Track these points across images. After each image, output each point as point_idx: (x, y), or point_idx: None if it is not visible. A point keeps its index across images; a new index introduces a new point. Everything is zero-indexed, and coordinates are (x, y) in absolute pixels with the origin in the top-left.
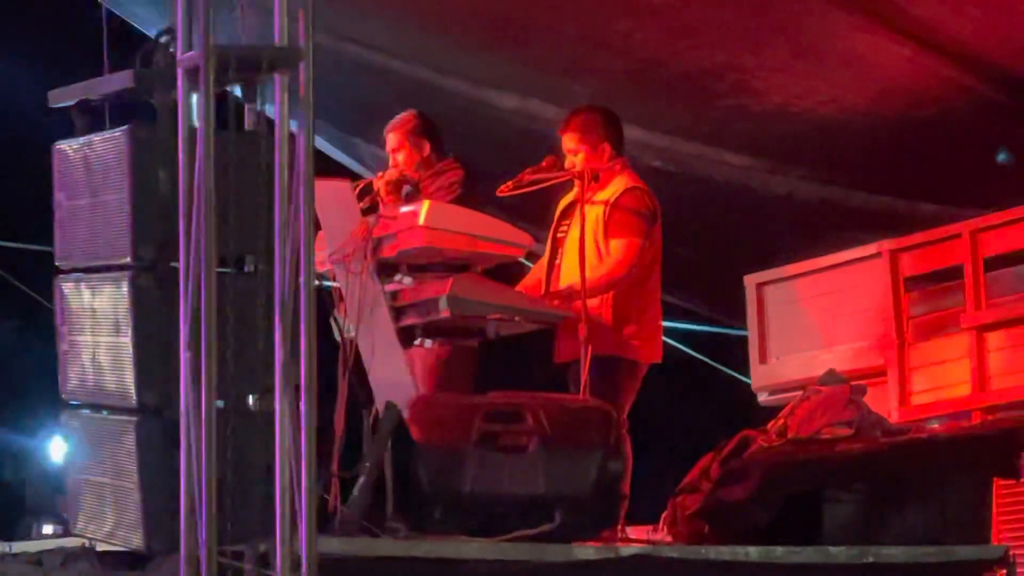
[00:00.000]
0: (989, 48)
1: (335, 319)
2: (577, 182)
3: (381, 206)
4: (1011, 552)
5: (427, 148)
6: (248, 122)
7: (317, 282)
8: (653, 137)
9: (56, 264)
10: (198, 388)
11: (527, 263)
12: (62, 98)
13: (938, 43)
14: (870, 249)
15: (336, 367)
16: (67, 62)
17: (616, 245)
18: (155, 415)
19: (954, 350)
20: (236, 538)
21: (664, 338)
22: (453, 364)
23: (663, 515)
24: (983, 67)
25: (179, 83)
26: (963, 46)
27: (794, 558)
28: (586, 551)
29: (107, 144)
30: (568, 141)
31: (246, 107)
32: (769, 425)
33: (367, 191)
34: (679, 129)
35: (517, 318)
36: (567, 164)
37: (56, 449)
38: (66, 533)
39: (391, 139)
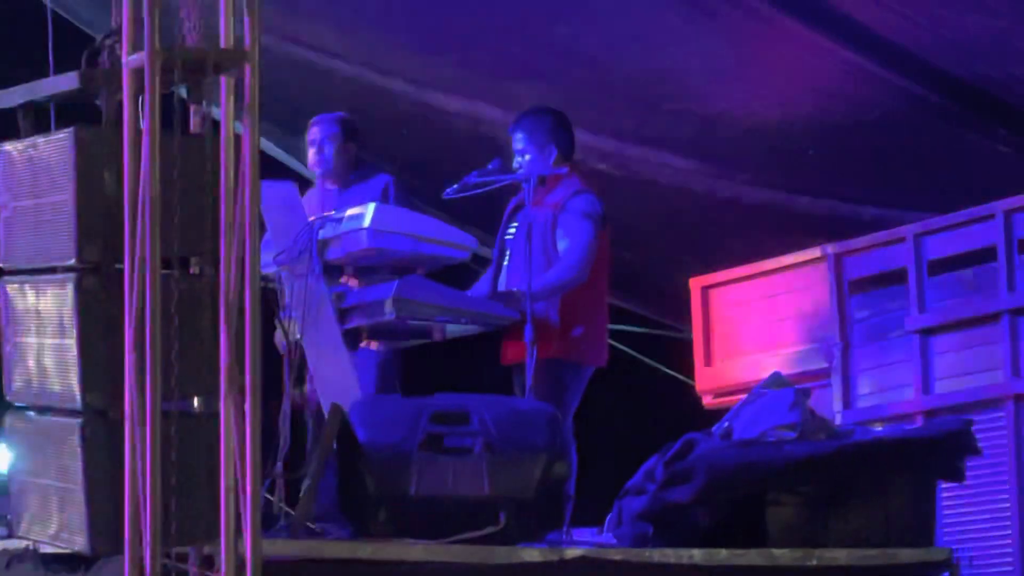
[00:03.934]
0: (932, 53)
1: (280, 321)
2: (524, 185)
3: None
4: (955, 555)
5: None
6: (193, 123)
7: (263, 284)
8: (598, 141)
9: (0, 265)
10: (143, 390)
11: (476, 268)
12: (6, 99)
13: (880, 49)
14: (814, 252)
15: (281, 369)
16: (11, 63)
17: (565, 248)
18: (100, 417)
19: (898, 353)
20: (180, 540)
21: (610, 341)
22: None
23: (608, 517)
24: (925, 72)
25: (124, 84)
26: (905, 52)
27: (738, 560)
28: (531, 553)
29: (52, 145)
30: (517, 142)
31: (191, 108)
32: (714, 427)
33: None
34: (624, 133)
35: (463, 320)
36: (514, 165)
37: None
38: (10, 535)
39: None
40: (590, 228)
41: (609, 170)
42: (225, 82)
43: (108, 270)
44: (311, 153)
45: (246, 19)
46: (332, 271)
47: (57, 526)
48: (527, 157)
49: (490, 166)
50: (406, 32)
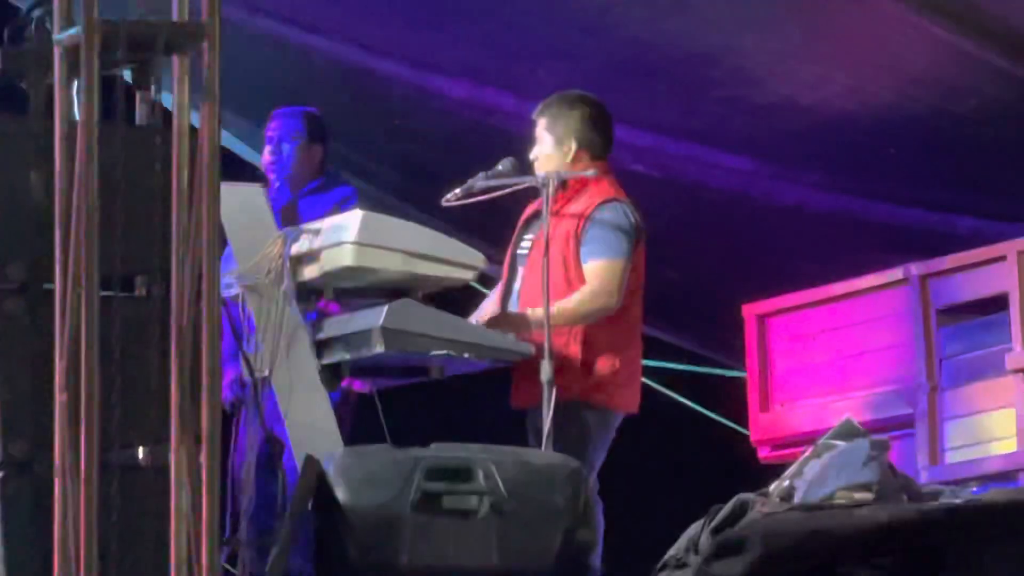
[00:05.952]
0: None
1: (245, 354)
2: (542, 190)
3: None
4: None
5: None
6: (140, 113)
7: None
8: (634, 135)
9: None
10: (76, 438)
11: (481, 289)
12: None
13: (978, 23)
14: (895, 274)
15: (244, 412)
16: None
17: (591, 269)
18: (23, 471)
19: (997, 397)
20: None
21: (645, 380)
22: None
23: None
24: None
25: (56, 66)
26: (1008, 27)
27: None
28: None
29: None
30: (537, 129)
31: (138, 95)
32: (772, 487)
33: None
34: (666, 126)
35: (467, 354)
36: (531, 156)
37: None
38: None
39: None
40: (621, 246)
41: (647, 171)
42: (178, 63)
43: (35, 291)
44: (266, 152)
45: None
46: (308, 294)
47: None
48: (541, 147)
49: (500, 166)
50: (401, 1)
